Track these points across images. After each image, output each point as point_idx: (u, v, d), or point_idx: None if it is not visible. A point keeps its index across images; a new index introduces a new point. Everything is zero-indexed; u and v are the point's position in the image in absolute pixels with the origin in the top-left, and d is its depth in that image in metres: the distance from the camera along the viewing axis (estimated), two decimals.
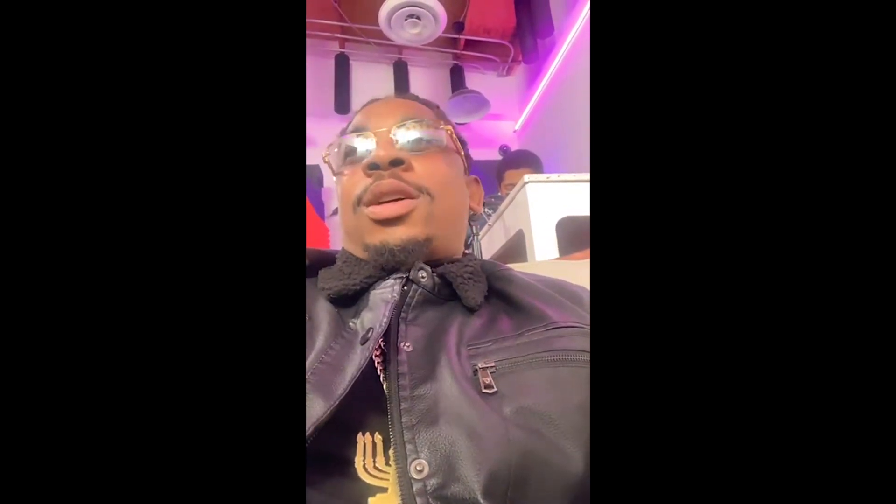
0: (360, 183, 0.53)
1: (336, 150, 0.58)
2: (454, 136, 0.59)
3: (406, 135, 0.55)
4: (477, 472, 0.34)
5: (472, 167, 0.65)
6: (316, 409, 0.36)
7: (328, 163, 0.60)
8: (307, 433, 0.34)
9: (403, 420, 0.37)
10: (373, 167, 0.52)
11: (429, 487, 0.34)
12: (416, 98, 0.63)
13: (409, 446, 0.36)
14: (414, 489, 0.34)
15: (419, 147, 0.55)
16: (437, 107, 0.64)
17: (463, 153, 0.62)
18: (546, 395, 0.40)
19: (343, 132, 0.60)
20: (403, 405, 0.38)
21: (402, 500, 0.34)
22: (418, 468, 0.35)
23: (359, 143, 0.55)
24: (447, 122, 0.61)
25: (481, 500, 0.33)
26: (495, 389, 0.40)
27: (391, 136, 0.54)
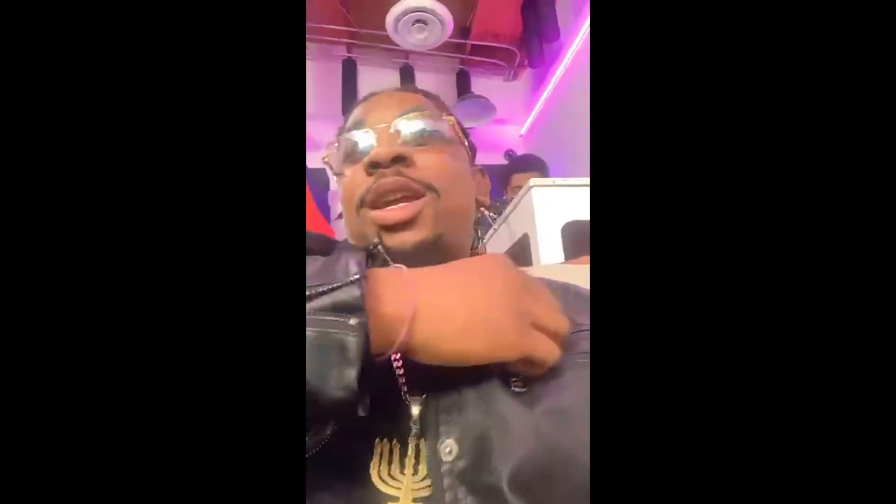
0: (363, 183, 0.50)
1: (335, 148, 0.55)
2: (456, 126, 0.56)
3: (408, 127, 0.52)
4: (505, 461, 0.35)
5: (475, 157, 0.62)
6: None
7: (328, 164, 0.57)
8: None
9: (440, 403, 0.38)
10: (374, 166, 0.49)
11: (455, 470, 0.35)
12: (416, 89, 0.60)
13: (441, 428, 0.37)
14: (442, 469, 0.36)
15: (422, 140, 0.52)
16: (438, 97, 0.61)
17: (466, 143, 0.59)
18: (575, 396, 0.39)
19: (341, 130, 0.57)
20: (437, 390, 0.39)
21: (431, 477, 0.35)
22: (447, 450, 0.36)
23: (359, 140, 0.52)
24: (448, 112, 0.58)
25: (507, 490, 0.33)
26: (524, 388, 0.40)
27: (392, 130, 0.51)
